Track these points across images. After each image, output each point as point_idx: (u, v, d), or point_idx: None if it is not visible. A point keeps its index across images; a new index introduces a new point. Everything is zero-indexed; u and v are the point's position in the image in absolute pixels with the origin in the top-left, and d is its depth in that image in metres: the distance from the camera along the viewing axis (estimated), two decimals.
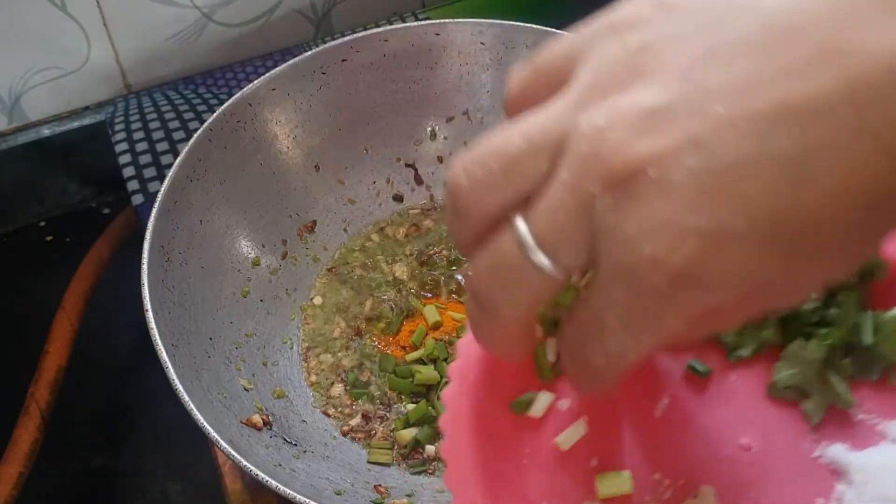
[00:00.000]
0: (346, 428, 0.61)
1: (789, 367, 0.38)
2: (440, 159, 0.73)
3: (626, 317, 0.25)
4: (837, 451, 0.36)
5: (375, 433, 0.61)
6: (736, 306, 0.25)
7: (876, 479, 0.35)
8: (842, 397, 0.37)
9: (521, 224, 0.26)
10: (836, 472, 0.36)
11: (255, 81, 0.67)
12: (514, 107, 0.29)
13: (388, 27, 0.71)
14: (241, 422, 0.56)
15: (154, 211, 0.60)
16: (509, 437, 0.37)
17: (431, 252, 0.70)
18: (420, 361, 0.63)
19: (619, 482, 0.36)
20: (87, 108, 0.84)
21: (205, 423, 0.51)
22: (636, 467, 0.36)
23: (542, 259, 0.26)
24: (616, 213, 0.24)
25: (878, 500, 0.34)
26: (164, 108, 0.81)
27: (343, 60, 0.70)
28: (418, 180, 0.74)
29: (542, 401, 0.37)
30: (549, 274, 0.26)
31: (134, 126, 0.80)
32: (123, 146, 0.78)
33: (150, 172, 0.76)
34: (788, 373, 0.38)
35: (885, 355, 0.38)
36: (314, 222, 0.70)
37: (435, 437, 0.59)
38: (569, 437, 0.37)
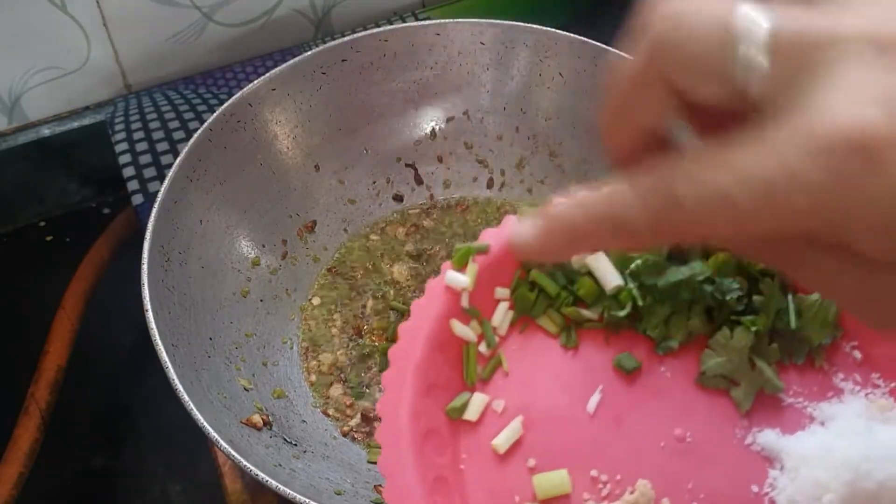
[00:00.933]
0: (346, 428, 0.61)
1: (717, 355, 0.38)
2: (440, 159, 0.73)
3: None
4: (769, 436, 0.37)
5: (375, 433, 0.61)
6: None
7: (807, 464, 0.35)
8: (770, 382, 0.38)
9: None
10: (769, 459, 0.36)
11: (255, 81, 0.67)
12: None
13: (388, 27, 0.71)
14: (241, 422, 0.56)
15: (154, 211, 0.60)
16: (446, 442, 0.37)
17: (431, 252, 0.70)
18: None
19: (557, 482, 0.36)
20: (87, 108, 0.84)
21: (205, 423, 0.51)
22: (573, 465, 0.36)
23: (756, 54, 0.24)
24: None
25: (810, 485, 0.34)
26: (164, 108, 0.81)
27: (343, 60, 0.70)
28: (418, 180, 0.74)
29: (477, 403, 0.37)
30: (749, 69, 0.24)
31: (134, 126, 0.80)
32: (123, 146, 0.78)
33: (150, 172, 0.76)
34: (717, 361, 0.38)
35: (809, 338, 0.38)
36: (314, 222, 0.70)
37: None
38: (506, 439, 0.37)
